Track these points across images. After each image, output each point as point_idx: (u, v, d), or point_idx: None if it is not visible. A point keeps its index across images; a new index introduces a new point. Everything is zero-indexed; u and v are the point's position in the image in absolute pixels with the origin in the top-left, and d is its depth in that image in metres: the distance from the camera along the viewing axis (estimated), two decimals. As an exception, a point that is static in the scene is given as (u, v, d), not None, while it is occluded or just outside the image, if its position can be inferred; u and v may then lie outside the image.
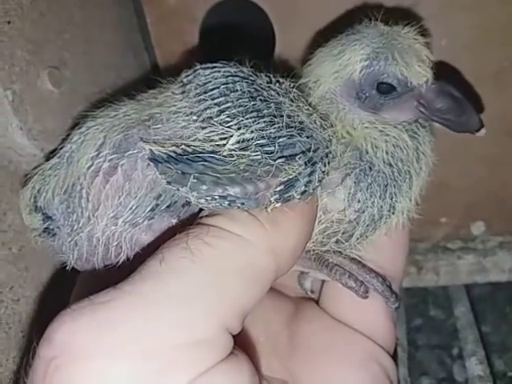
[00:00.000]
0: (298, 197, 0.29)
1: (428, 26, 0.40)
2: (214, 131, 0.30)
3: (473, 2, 0.44)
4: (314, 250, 0.36)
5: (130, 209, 0.31)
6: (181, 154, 0.29)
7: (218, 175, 0.28)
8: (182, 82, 0.34)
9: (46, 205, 0.33)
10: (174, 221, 0.31)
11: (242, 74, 0.33)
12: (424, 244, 0.57)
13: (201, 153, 0.29)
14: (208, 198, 0.28)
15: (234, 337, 0.26)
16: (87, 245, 0.32)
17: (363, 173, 0.34)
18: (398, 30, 0.34)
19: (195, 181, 0.28)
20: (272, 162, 0.28)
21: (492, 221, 0.54)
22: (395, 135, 0.35)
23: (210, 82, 0.33)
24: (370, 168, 0.34)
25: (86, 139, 0.33)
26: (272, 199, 0.28)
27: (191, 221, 0.29)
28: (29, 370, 0.25)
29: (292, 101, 0.33)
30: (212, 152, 0.29)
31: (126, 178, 0.31)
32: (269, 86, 0.33)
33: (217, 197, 0.28)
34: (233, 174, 0.28)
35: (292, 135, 0.30)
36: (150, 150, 0.30)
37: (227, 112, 0.31)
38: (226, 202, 0.28)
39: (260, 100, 0.31)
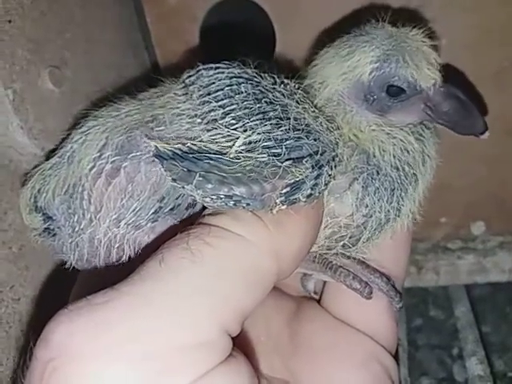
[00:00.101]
0: (304, 200, 0.29)
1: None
2: (219, 134, 0.29)
3: (473, 2, 0.44)
4: (318, 253, 0.36)
5: (133, 211, 0.31)
6: (186, 152, 0.29)
7: (224, 174, 0.28)
8: (184, 83, 0.34)
9: (46, 205, 0.33)
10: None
11: (246, 76, 0.33)
12: (424, 244, 0.57)
13: (207, 152, 0.29)
14: (213, 197, 0.28)
15: (233, 337, 0.26)
16: (88, 246, 0.32)
17: (371, 177, 0.34)
18: (405, 31, 0.34)
19: (201, 179, 0.28)
20: (279, 164, 0.28)
21: (492, 221, 0.55)
22: (402, 138, 0.35)
23: (214, 83, 0.32)
24: (378, 172, 0.34)
25: (88, 139, 0.33)
26: (278, 201, 0.28)
27: (193, 220, 0.29)
28: (26, 371, 0.25)
29: (298, 103, 0.32)
30: (218, 153, 0.29)
31: (128, 180, 0.31)
32: (274, 88, 0.32)
33: (222, 196, 0.28)
34: (239, 174, 0.28)
35: (299, 138, 0.30)
36: (156, 146, 0.29)
37: (232, 114, 0.30)
38: (232, 202, 0.28)
39: (266, 102, 0.31)
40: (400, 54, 0.33)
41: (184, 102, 0.32)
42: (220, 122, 0.30)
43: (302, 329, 0.37)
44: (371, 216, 0.34)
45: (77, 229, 0.32)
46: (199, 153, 0.29)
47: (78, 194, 0.32)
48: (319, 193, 0.30)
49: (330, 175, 0.30)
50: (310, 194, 0.29)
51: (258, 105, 0.30)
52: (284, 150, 0.29)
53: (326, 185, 0.30)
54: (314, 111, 0.33)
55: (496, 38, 0.44)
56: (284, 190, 0.28)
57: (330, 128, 0.32)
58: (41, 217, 0.34)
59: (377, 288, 0.36)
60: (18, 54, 0.34)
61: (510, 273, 0.55)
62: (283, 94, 0.32)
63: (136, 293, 0.24)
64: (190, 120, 0.31)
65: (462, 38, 0.45)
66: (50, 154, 0.36)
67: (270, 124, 0.30)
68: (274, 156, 0.29)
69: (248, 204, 0.28)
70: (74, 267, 0.33)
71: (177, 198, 0.31)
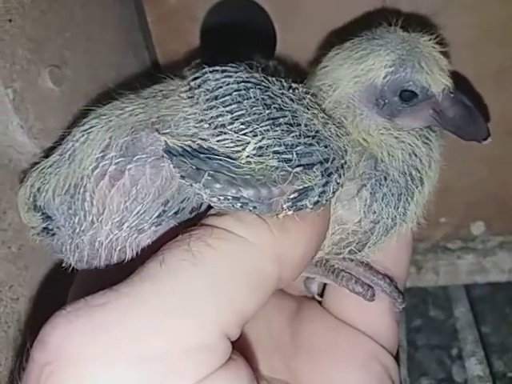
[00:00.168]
0: (311, 206, 0.29)
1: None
2: (227, 139, 0.29)
3: (473, 1, 0.44)
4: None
5: (136, 214, 0.30)
6: (196, 150, 0.29)
7: (233, 175, 0.28)
8: (189, 85, 0.33)
9: (45, 204, 0.33)
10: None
11: (254, 80, 0.32)
12: (424, 244, 0.57)
13: (216, 154, 0.28)
14: (221, 198, 0.28)
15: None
16: (89, 248, 0.31)
17: (379, 183, 0.34)
18: (417, 36, 0.34)
19: (209, 178, 0.28)
20: (290, 170, 0.28)
21: (492, 221, 0.54)
22: (410, 142, 0.35)
23: (221, 87, 0.31)
24: (385, 178, 0.34)
25: (90, 138, 0.32)
26: (284, 206, 0.28)
27: (196, 221, 0.29)
28: (22, 373, 0.24)
29: (307, 108, 0.32)
30: (228, 157, 0.28)
31: (133, 182, 0.30)
32: (282, 93, 0.32)
33: (230, 197, 0.28)
34: (248, 176, 0.28)
35: (309, 144, 0.29)
36: (165, 142, 0.29)
37: (241, 120, 0.30)
38: (239, 204, 0.28)
39: (275, 108, 0.30)
40: (416, 59, 0.33)
41: (190, 106, 0.31)
42: (229, 127, 0.29)
43: (302, 328, 0.37)
44: (378, 222, 0.34)
45: (77, 230, 0.31)
46: (209, 152, 0.28)
47: (80, 195, 0.31)
48: (326, 200, 0.30)
49: (338, 183, 0.30)
50: (317, 201, 0.29)
51: (267, 111, 0.30)
52: (295, 155, 0.29)
53: (333, 193, 0.30)
54: (323, 117, 0.32)
55: (496, 38, 0.44)
56: (292, 196, 0.28)
57: (339, 134, 0.32)
58: (40, 216, 0.33)
59: (380, 290, 0.36)
60: (18, 54, 0.34)
61: (510, 273, 0.55)
62: (292, 100, 0.32)
63: (135, 294, 0.24)
64: (197, 124, 0.30)
65: (462, 38, 0.45)
66: (49, 152, 0.35)
67: (281, 130, 0.29)
68: (285, 161, 0.28)
69: (255, 207, 0.28)
70: (72, 267, 0.33)
71: (181, 202, 0.30)
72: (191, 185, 0.28)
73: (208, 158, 0.28)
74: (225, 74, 0.32)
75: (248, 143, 0.29)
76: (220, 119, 0.30)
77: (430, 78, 0.33)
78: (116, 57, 0.47)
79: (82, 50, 0.41)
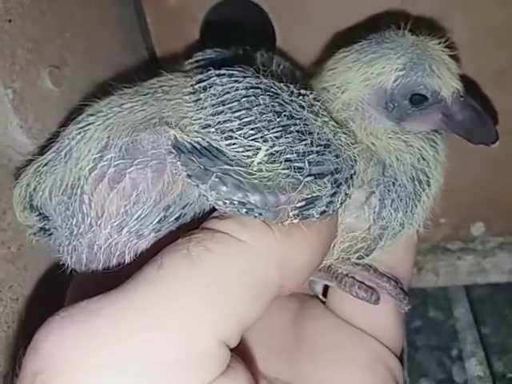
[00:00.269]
0: (317, 216, 0.28)
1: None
2: (235, 144, 0.28)
3: (472, 2, 0.44)
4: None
5: (137, 219, 0.29)
6: (205, 148, 0.28)
7: (241, 179, 0.27)
8: (194, 88, 0.31)
9: (42, 204, 0.32)
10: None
11: (263, 86, 0.31)
12: (424, 245, 0.57)
13: (227, 156, 0.28)
14: (227, 202, 0.27)
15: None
16: (87, 252, 0.30)
17: (387, 189, 0.34)
18: (426, 40, 0.34)
19: (217, 180, 0.27)
20: (301, 179, 0.28)
21: (492, 221, 0.54)
22: (418, 146, 0.35)
23: (229, 93, 0.30)
24: (394, 183, 0.34)
25: (87, 136, 0.31)
26: (291, 214, 0.27)
27: (197, 224, 0.28)
28: (16, 379, 0.24)
29: (317, 116, 0.31)
30: (238, 163, 0.28)
31: (133, 186, 0.29)
32: (292, 100, 0.31)
33: (236, 202, 0.27)
34: (256, 181, 0.27)
35: (321, 153, 0.29)
36: (175, 136, 0.28)
37: (251, 126, 0.29)
38: (244, 210, 0.27)
39: (285, 116, 0.30)
40: (427, 63, 0.33)
41: (195, 110, 0.30)
42: (237, 132, 0.28)
43: (305, 326, 0.36)
44: (387, 227, 0.34)
45: (75, 232, 0.30)
46: (219, 151, 0.28)
47: (77, 197, 0.30)
48: (333, 211, 0.29)
49: (346, 194, 0.30)
50: (324, 211, 0.28)
51: (278, 118, 0.29)
52: (306, 164, 0.28)
53: (341, 203, 0.29)
54: (333, 125, 0.32)
55: (495, 39, 0.44)
56: (299, 204, 0.27)
57: (349, 143, 0.31)
58: (36, 216, 0.32)
59: (385, 293, 0.36)
60: (17, 54, 0.34)
61: (510, 273, 0.55)
62: (302, 107, 0.31)
63: (131, 301, 0.23)
64: (202, 130, 0.29)
65: (461, 39, 0.45)
66: (43, 149, 0.34)
67: (292, 137, 0.29)
68: (296, 170, 0.28)
69: (260, 214, 0.27)
70: (71, 267, 0.32)
71: (183, 208, 0.30)
72: (197, 185, 0.27)
73: (217, 157, 0.28)
74: (232, 78, 0.31)
75: (259, 149, 0.28)
76: (227, 125, 0.29)
77: (441, 82, 0.33)
78: (115, 57, 0.47)
79: (82, 51, 0.41)
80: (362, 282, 0.36)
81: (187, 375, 0.23)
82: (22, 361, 0.23)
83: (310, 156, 0.28)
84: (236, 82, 0.31)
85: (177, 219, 0.30)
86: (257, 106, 0.30)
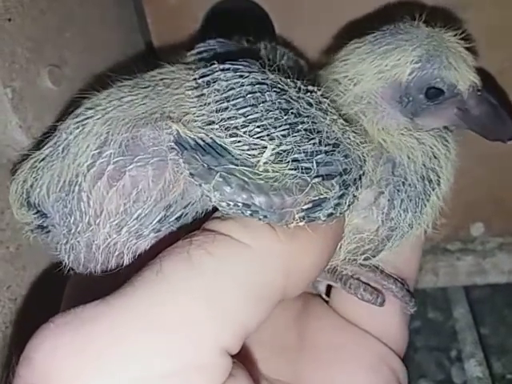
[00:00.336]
0: (324, 218, 0.27)
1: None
2: (240, 141, 0.27)
3: (472, 2, 0.44)
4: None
5: (136, 218, 0.28)
6: (209, 145, 0.27)
7: (246, 179, 0.26)
8: (197, 83, 0.30)
9: (40, 201, 0.30)
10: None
11: (269, 82, 0.29)
12: (423, 245, 0.57)
13: (232, 155, 0.26)
14: (230, 203, 0.26)
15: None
16: (85, 251, 0.29)
17: (397, 189, 0.33)
18: (441, 31, 0.33)
19: (220, 180, 0.26)
20: (308, 180, 0.26)
21: (491, 222, 0.54)
22: (431, 144, 0.34)
23: (234, 88, 0.29)
24: (403, 183, 0.33)
25: (85, 131, 0.30)
26: (297, 216, 0.26)
27: (199, 224, 0.27)
28: None
29: (326, 113, 0.30)
30: (244, 162, 0.26)
31: (133, 184, 0.28)
32: (299, 97, 0.29)
33: (240, 204, 0.26)
34: (261, 182, 0.26)
35: (329, 153, 0.28)
36: (177, 131, 0.27)
37: (257, 123, 0.27)
38: (249, 212, 0.26)
39: (293, 113, 0.28)
40: (443, 55, 0.32)
41: (198, 106, 0.29)
42: (242, 130, 0.27)
43: (308, 325, 0.35)
44: (396, 228, 0.33)
45: (73, 230, 0.29)
46: (223, 149, 0.27)
47: (75, 194, 0.29)
48: (341, 213, 0.28)
49: (355, 196, 0.29)
50: (331, 214, 0.27)
51: (285, 116, 0.28)
52: (314, 165, 0.27)
53: (349, 206, 0.28)
54: (342, 123, 0.30)
55: (495, 38, 0.44)
56: (305, 206, 0.26)
57: (358, 142, 0.30)
58: (34, 213, 0.31)
59: (391, 294, 0.35)
60: (17, 53, 0.34)
61: (509, 274, 0.55)
62: (310, 104, 0.29)
63: (126, 304, 0.22)
64: (205, 127, 0.28)
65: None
66: (39, 144, 0.33)
67: (300, 136, 0.27)
68: (304, 171, 0.26)
69: (265, 216, 0.26)
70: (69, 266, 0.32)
71: (184, 207, 0.28)
72: (200, 185, 0.26)
73: (221, 156, 0.26)
74: (237, 73, 0.30)
75: (265, 148, 0.27)
76: (232, 122, 0.28)
77: (459, 75, 0.32)
78: (115, 57, 0.46)
79: (81, 50, 0.41)
80: (368, 284, 0.35)
81: None
82: (15, 369, 0.23)
83: (319, 156, 0.27)
84: (241, 77, 0.29)
85: (178, 219, 0.29)
86: (263, 102, 0.28)
